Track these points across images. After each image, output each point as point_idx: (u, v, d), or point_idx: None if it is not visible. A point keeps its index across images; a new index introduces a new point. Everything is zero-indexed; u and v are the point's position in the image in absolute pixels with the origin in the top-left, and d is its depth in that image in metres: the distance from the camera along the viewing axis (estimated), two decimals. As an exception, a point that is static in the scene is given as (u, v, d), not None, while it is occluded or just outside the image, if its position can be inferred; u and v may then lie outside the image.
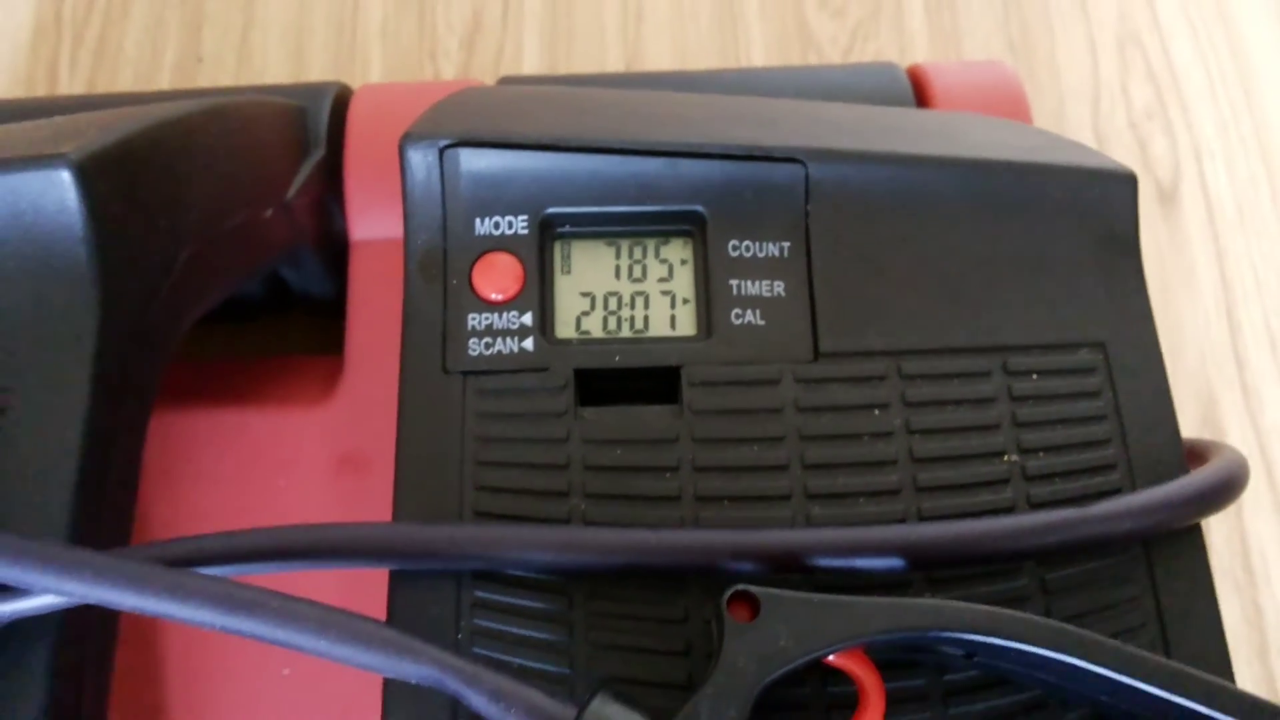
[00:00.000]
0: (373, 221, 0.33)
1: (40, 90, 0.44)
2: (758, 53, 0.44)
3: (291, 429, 0.32)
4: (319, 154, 0.32)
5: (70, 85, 0.44)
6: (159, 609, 0.16)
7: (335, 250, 0.34)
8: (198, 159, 0.24)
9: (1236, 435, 0.39)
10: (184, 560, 0.16)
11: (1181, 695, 0.15)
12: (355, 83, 0.44)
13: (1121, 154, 0.43)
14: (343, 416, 0.32)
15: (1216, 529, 0.38)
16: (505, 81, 0.35)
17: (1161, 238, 0.42)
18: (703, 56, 0.44)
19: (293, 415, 0.32)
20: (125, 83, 0.44)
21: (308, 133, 0.33)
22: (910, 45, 0.44)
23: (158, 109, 0.23)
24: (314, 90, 0.34)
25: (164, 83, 0.44)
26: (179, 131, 0.23)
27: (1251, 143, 0.43)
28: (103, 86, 0.44)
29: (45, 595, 0.16)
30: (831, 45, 0.44)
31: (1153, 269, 0.43)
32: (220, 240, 0.25)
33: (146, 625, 0.30)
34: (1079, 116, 0.43)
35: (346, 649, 0.15)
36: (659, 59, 0.44)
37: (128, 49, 0.45)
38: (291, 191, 0.30)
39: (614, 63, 0.44)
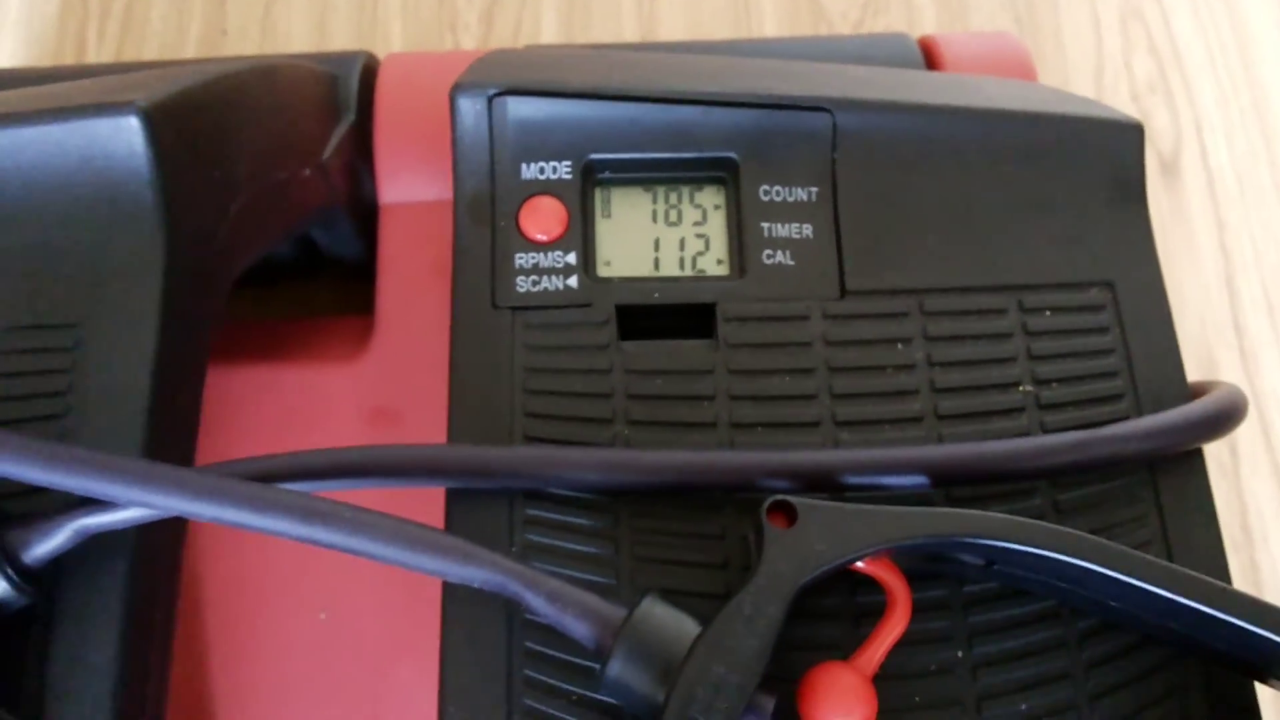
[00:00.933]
0: (401, 185, 0.34)
1: (69, 59, 0.45)
2: (770, 26, 0.45)
3: (325, 384, 0.33)
4: (349, 119, 0.33)
5: (98, 56, 0.45)
6: (241, 520, 0.17)
7: (364, 213, 0.35)
8: (248, 114, 0.25)
9: (1247, 408, 0.40)
10: (260, 476, 0.18)
11: (1184, 596, 0.16)
12: (376, 52, 0.45)
13: (1124, 126, 0.44)
14: (374, 372, 0.33)
15: (1215, 490, 0.39)
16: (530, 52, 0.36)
17: (1163, 208, 0.43)
18: (716, 29, 0.45)
19: (326, 371, 0.33)
20: (151, 54, 0.45)
21: (339, 99, 0.34)
22: (918, 20, 0.45)
23: (213, 66, 0.24)
24: (343, 58, 0.35)
25: (189, 55, 0.45)
26: (233, 87, 0.24)
27: (1250, 116, 0.44)
28: (129, 58, 0.45)
29: (133, 509, 0.17)
30: (842, 19, 0.45)
31: (1154, 238, 0.44)
32: (266, 194, 0.26)
33: (186, 568, 0.31)
34: (1083, 89, 0.44)
35: (416, 555, 0.17)
36: (673, 31, 0.45)
37: (153, 21, 0.46)
38: (326, 153, 0.31)
39: (630, 35, 0.45)
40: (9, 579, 0.17)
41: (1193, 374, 0.41)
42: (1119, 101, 0.45)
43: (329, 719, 0.31)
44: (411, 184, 0.34)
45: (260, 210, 0.26)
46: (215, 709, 0.30)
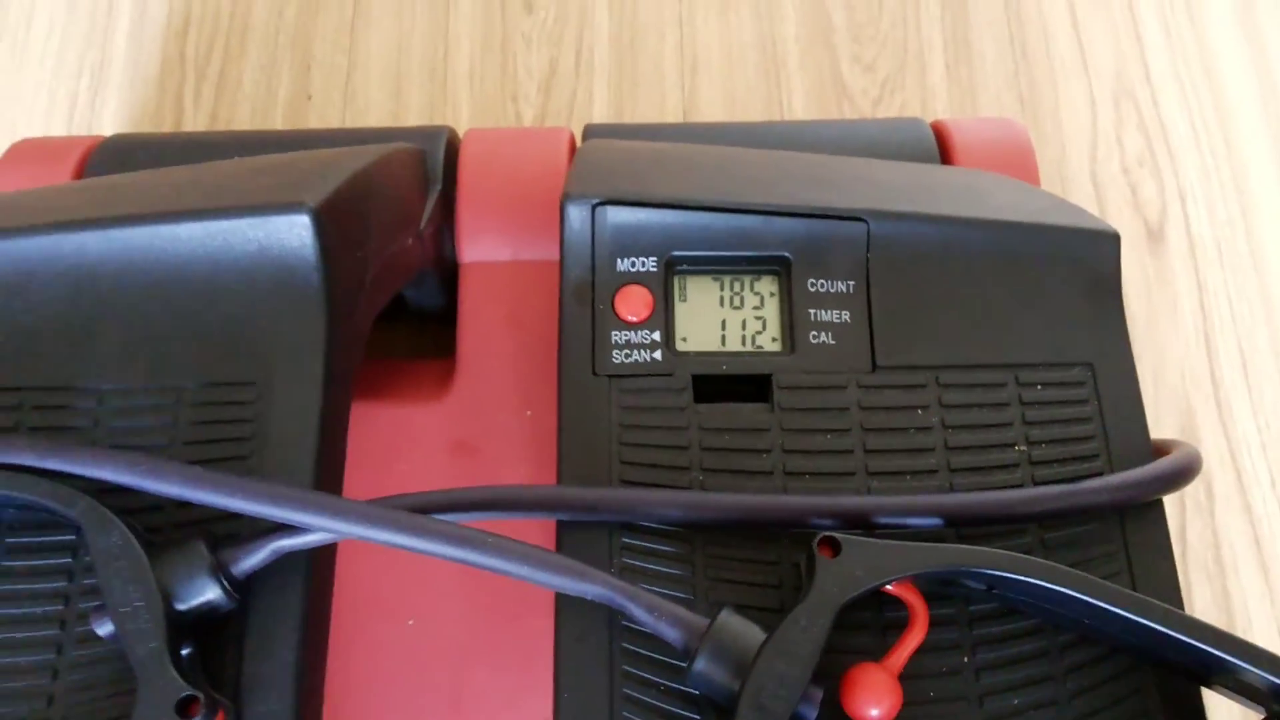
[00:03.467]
0: (480, 247, 0.39)
1: (168, 119, 0.50)
2: (799, 100, 0.50)
3: (414, 421, 0.38)
4: (437, 189, 0.38)
5: (195, 117, 0.50)
6: (407, 544, 0.21)
7: (446, 271, 0.40)
8: (377, 200, 0.30)
9: (1210, 444, 0.45)
10: (418, 508, 0.22)
11: (1145, 618, 0.21)
12: (446, 120, 0.50)
13: (1115, 196, 0.49)
14: (456, 410, 0.37)
15: (1191, 525, 0.44)
16: (590, 130, 0.40)
17: (1149, 271, 0.48)
18: (750, 102, 0.50)
19: (415, 409, 0.38)
20: (244, 115, 0.50)
21: (428, 172, 0.39)
22: (932, 98, 0.50)
23: (348, 158, 0.29)
24: (429, 134, 0.40)
25: (278, 117, 0.50)
26: (367, 178, 0.29)
27: (1230, 188, 0.49)
28: (223, 118, 0.50)
29: (321, 534, 0.22)
30: (863, 96, 0.50)
31: (1140, 299, 0.49)
32: (387, 263, 0.31)
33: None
34: (1079, 162, 0.49)
35: (544, 574, 0.21)
36: (711, 105, 0.50)
37: (245, 85, 0.51)
38: (423, 222, 0.36)
39: (673, 107, 0.50)
40: (223, 588, 0.22)
41: (1173, 420, 0.45)
42: (1111, 173, 0.50)
43: (414, 714, 0.35)
44: (489, 246, 0.39)
45: (382, 278, 0.31)
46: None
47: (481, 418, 0.37)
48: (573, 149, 0.40)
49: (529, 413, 0.37)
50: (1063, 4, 0.52)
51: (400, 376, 0.39)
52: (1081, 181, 0.49)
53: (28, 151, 0.42)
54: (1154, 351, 0.46)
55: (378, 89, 0.50)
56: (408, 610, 0.36)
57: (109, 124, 0.51)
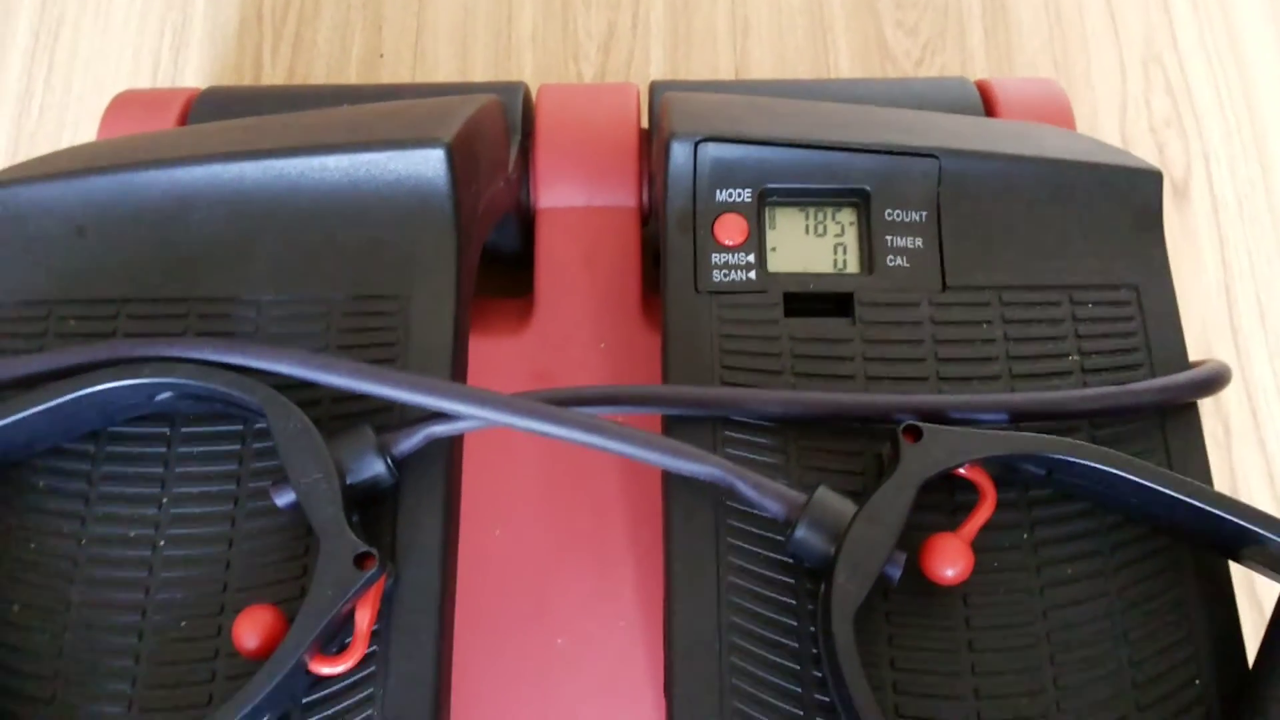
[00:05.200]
0: (556, 193, 0.42)
1: (248, 75, 0.53)
2: (844, 61, 0.53)
3: (498, 353, 0.41)
4: (517, 139, 0.41)
5: (273, 73, 0.53)
6: (545, 430, 0.24)
7: (523, 215, 0.43)
8: (485, 142, 0.33)
9: (1229, 387, 0.48)
10: (553, 401, 0.25)
11: (1182, 494, 0.24)
12: (510, 77, 0.53)
13: (1142, 155, 0.52)
14: (536, 343, 0.41)
15: (1211, 458, 0.47)
16: (656, 87, 0.43)
17: (1174, 226, 0.51)
18: (798, 63, 0.53)
19: (498, 341, 0.41)
20: (319, 72, 0.53)
21: (510, 124, 0.42)
22: (971, 60, 0.53)
23: (462, 104, 0.32)
24: (507, 88, 0.43)
25: (352, 74, 0.53)
26: (478, 122, 0.32)
27: (1251, 149, 0.52)
28: (300, 74, 0.53)
29: (469, 421, 0.25)
30: (905, 58, 0.53)
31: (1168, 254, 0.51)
32: (487, 203, 0.34)
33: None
34: (1109, 123, 0.52)
35: (663, 456, 0.24)
36: (761, 65, 0.53)
37: (320, 44, 0.53)
38: (510, 166, 0.39)
39: (725, 67, 0.53)
40: (386, 465, 0.25)
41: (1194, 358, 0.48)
42: (1139, 133, 0.52)
43: (502, 616, 0.38)
44: (564, 192, 0.42)
45: (484, 216, 0.34)
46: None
47: (559, 350, 0.40)
48: (639, 104, 0.43)
49: (602, 345, 0.40)
50: (1095, -28, 0.55)
51: (483, 313, 0.42)
52: (1111, 140, 0.51)
53: (130, 103, 0.45)
54: (1178, 300, 0.49)
55: (446, 49, 0.53)
56: (494, 520, 0.39)
57: (191, 80, 0.54)
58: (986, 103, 0.43)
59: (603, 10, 0.54)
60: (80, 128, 0.53)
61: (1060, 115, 0.42)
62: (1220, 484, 0.47)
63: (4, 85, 0.54)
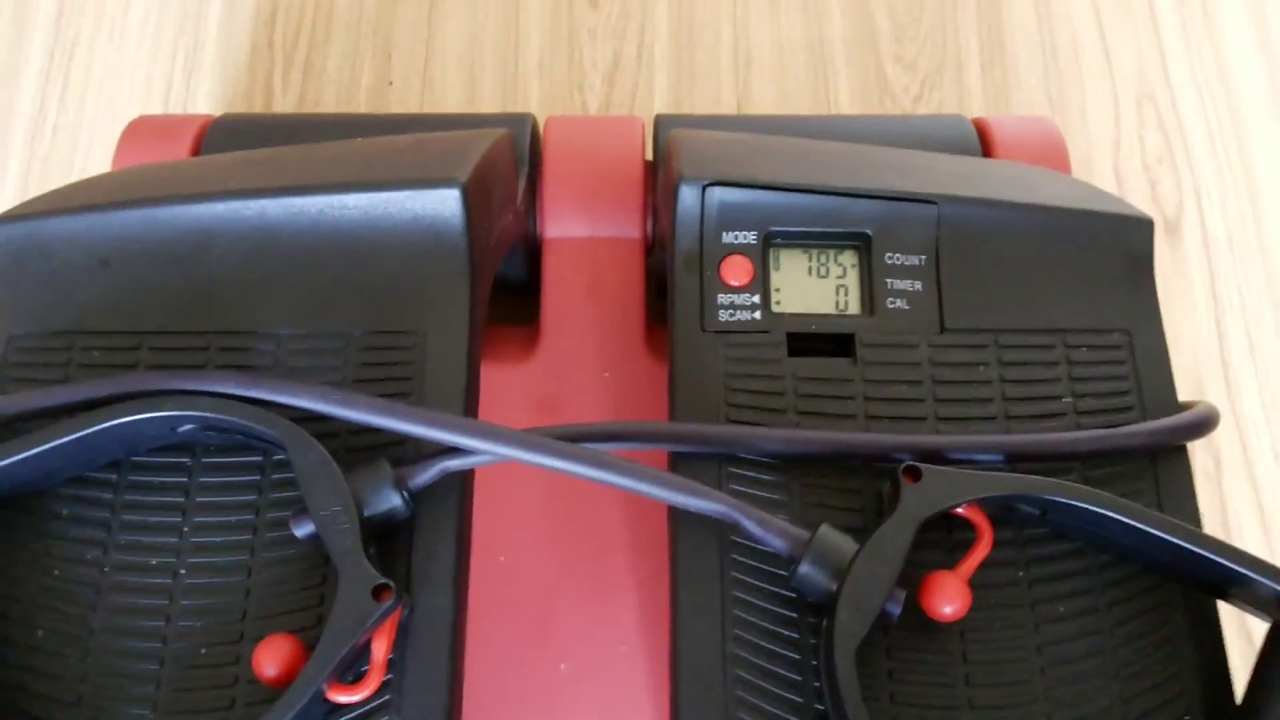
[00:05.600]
0: (562, 224, 0.43)
1: (259, 100, 0.54)
2: (844, 96, 0.54)
3: (503, 380, 0.42)
4: (525, 170, 0.42)
5: (283, 99, 0.54)
6: (555, 465, 0.25)
7: (530, 245, 0.44)
8: (497, 177, 0.34)
9: (1220, 420, 0.49)
10: (562, 437, 0.26)
11: (1172, 536, 0.25)
12: (516, 108, 0.54)
13: (1135, 191, 0.53)
14: (541, 371, 0.41)
15: (1201, 492, 0.48)
16: (661, 120, 0.44)
17: (1166, 260, 0.52)
18: (799, 96, 0.54)
19: (503, 369, 0.42)
20: (329, 99, 0.54)
21: (518, 155, 0.43)
22: (968, 96, 0.54)
23: (475, 140, 0.33)
24: (515, 120, 0.44)
25: (361, 101, 0.54)
26: (491, 158, 0.33)
27: (1242, 186, 0.53)
28: (310, 101, 0.54)
29: (482, 456, 0.26)
30: (904, 93, 0.54)
31: (1158, 286, 0.52)
32: (498, 236, 0.35)
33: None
34: (1103, 159, 0.53)
35: (671, 492, 0.25)
36: (763, 98, 0.54)
37: (330, 71, 0.54)
38: (519, 199, 0.40)
39: (727, 99, 0.54)
40: (403, 499, 0.26)
41: (1186, 397, 0.49)
42: (1132, 169, 0.54)
43: (505, 642, 0.39)
44: (570, 223, 0.43)
45: (495, 249, 0.35)
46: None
47: (564, 378, 0.41)
48: (644, 137, 0.44)
49: (606, 374, 0.41)
50: (1090, 12, 0.56)
51: (489, 340, 0.43)
52: (1105, 176, 0.53)
53: (145, 128, 0.45)
54: (1169, 334, 0.49)
55: (454, 77, 0.54)
56: (499, 548, 0.40)
57: (202, 105, 0.55)
58: (984, 141, 0.44)
59: (608, 41, 0.55)
60: (93, 149, 0.54)
61: (1055, 154, 0.43)
62: (1211, 516, 0.48)
63: (18, 105, 0.55)
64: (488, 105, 0.54)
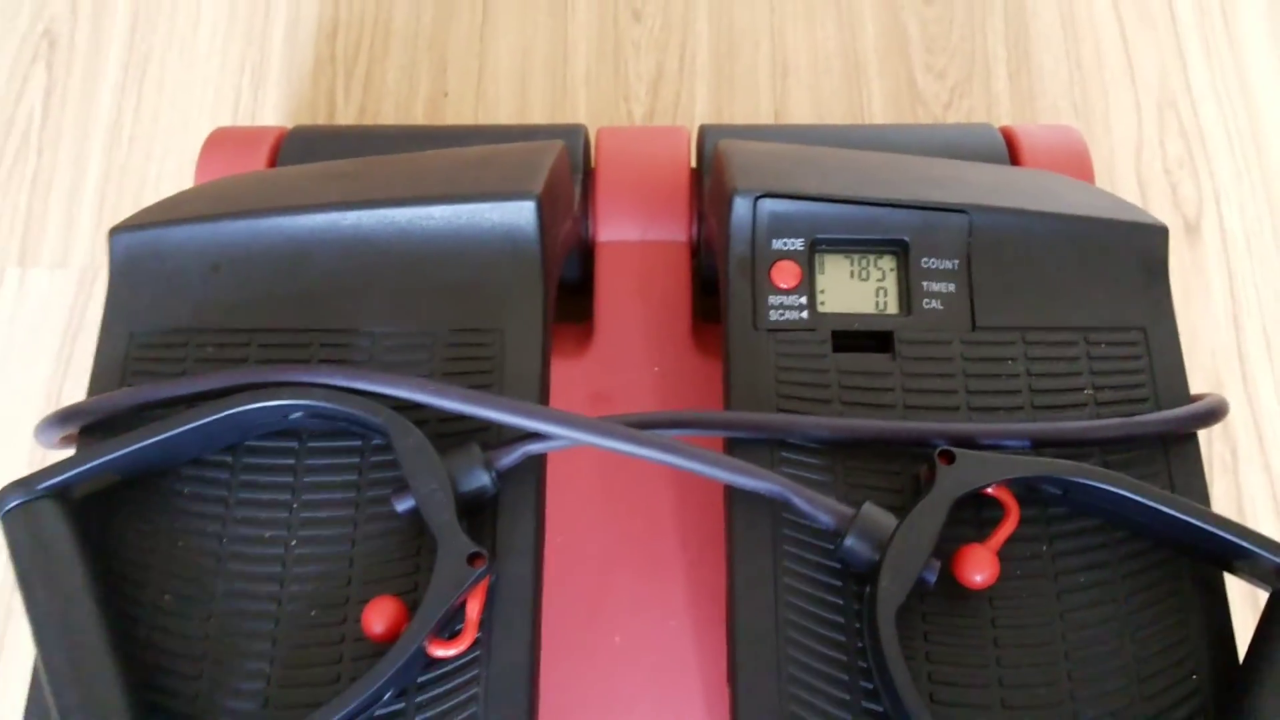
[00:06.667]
0: (613, 228, 0.46)
1: (322, 111, 0.57)
2: (877, 103, 0.57)
3: (559, 374, 0.44)
4: (579, 179, 0.45)
5: (346, 110, 0.57)
6: (627, 450, 0.28)
7: (584, 248, 0.47)
8: (562, 186, 0.37)
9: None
10: (632, 424, 0.29)
11: (1183, 514, 0.28)
12: (565, 117, 0.57)
13: (1157, 194, 0.55)
14: (595, 366, 0.44)
15: (1218, 482, 0.51)
16: (705, 131, 0.47)
17: (1186, 261, 0.54)
18: (834, 103, 0.57)
19: (559, 365, 0.45)
20: (388, 110, 0.57)
21: (573, 164, 0.46)
22: (996, 103, 0.57)
23: (541, 153, 0.36)
24: (569, 130, 0.47)
25: (419, 112, 0.57)
26: (560, 167, 0.36)
27: (1260, 190, 0.55)
28: (370, 112, 0.57)
29: (560, 441, 0.29)
30: (934, 100, 0.57)
31: (1177, 285, 0.55)
32: (561, 240, 0.38)
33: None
34: (1125, 163, 0.56)
35: (729, 473, 0.28)
36: (800, 106, 0.57)
37: (389, 83, 0.58)
38: (576, 204, 0.43)
39: (765, 108, 0.56)
40: (491, 479, 0.29)
41: (1204, 389, 0.52)
42: (1154, 174, 0.56)
43: (561, 617, 0.42)
44: (621, 227, 0.46)
45: (560, 251, 0.38)
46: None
47: (616, 373, 0.44)
48: (689, 146, 0.47)
49: (656, 369, 0.44)
50: (1114, 22, 0.58)
51: (546, 337, 0.46)
52: (1128, 180, 0.55)
53: (225, 139, 0.49)
54: (1188, 331, 0.52)
55: (506, 88, 0.57)
56: (559, 529, 0.43)
57: (269, 116, 0.58)
58: (1011, 149, 0.47)
59: (652, 54, 0.58)
60: (167, 159, 0.58)
61: (1079, 161, 0.46)
62: (1227, 504, 0.50)
63: (96, 117, 0.59)
64: (538, 115, 0.57)
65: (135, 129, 0.59)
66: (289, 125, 0.56)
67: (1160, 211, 0.55)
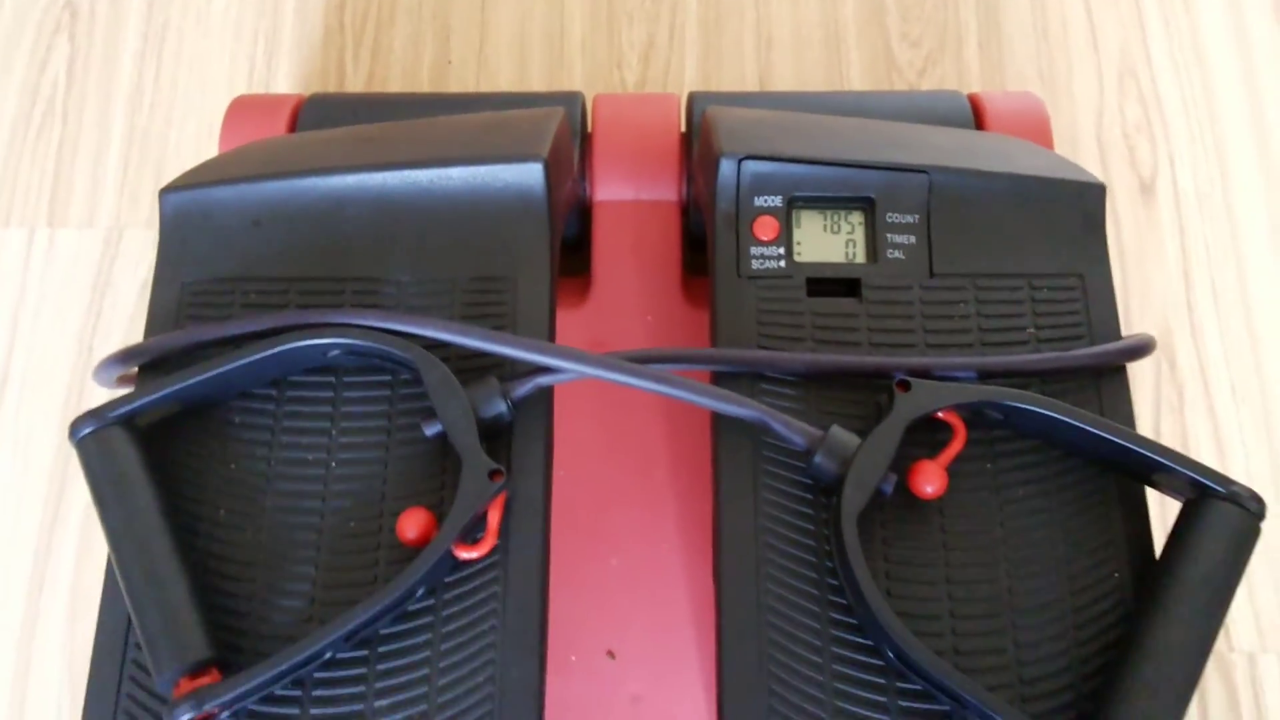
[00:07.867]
0: (609, 188, 0.49)
1: (332, 78, 0.61)
2: (855, 71, 0.60)
3: (559, 323, 0.48)
4: (577, 142, 0.49)
5: (355, 77, 0.61)
6: (625, 380, 0.32)
7: (581, 207, 0.51)
8: (564, 149, 0.41)
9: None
10: (631, 359, 0.33)
11: (1111, 435, 0.32)
12: (561, 84, 0.60)
13: (1116, 156, 0.59)
14: (593, 315, 0.48)
15: (1164, 420, 0.55)
16: (694, 97, 0.51)
17: (1141, 218, 0.58)
18: (815, 70, 0.60)
19: (560, 314, 0.48)
20: (395, 77, 0.60)
21: (572, 128, 0.49)
22: (966, 70, 0.60)
23: (546, 118, 0.40)
24: (568, 98, 0.50)
25: (424, 79, 0.60)
26: (561, 133, 0.40)
27: (1212, 153, 0.59)
28: (379, 79, 0.61)
29: (568, 374, 0.33)
30: (909, 68, 0.60)
31: (1132, 240, 0.59)
32: (564, 200, 0.42)
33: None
34: (1086, 127, 0.60)
35: (716, 401, 0.32)
36: (783, 74, 0.60)
37: (395, 50, 0.61)
38: (576, 167, 0.47)
39: (750, 76, 0.60)
40: (507, 406, 0.33)
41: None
42: (1113, 137, 0.60)
43: (563, 543, 0.46)
44: (616, 188, 0.49)
45: (565, 210, 0.42)
46: None
47: (612, 321, 0.48)
48: (679, 112, 0.51)
49: (649, 317, 0.48)
50: (1078, -6, 0.62)
51: (549, 289, 0.50)
52: (1088, 143, 0.59)
53: (247, 106, 0.52)
54: (1141, 283, 0.57)
55: (506, 56, 0.61)
56: (560, 462, 0.47)
57: (282, 83, 0.61)
58: (977, 114, 0.50)
59: (643, 24, 0.61)
60: (186, 124, 0.61)
61: (1039, 126, 0.50)
62: (1173, 441, 0.55)
63: (118, 84, 0.62)
64: (536, 81, 0.60)
65: (155, 95, 0.62)
66: (301, 91, 0.59)
67: (1118, 172, 0.59)
